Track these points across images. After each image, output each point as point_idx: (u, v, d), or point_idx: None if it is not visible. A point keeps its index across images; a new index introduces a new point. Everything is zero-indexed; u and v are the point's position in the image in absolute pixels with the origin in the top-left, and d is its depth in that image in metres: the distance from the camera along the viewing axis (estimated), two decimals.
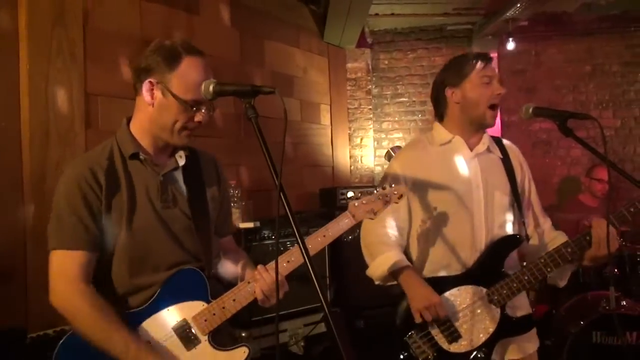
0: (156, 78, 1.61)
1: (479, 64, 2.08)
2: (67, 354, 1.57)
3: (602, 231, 1.92)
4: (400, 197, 1.82)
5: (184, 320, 1.62)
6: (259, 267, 1.66)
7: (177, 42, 1.65)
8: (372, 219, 1.80)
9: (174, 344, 1.60)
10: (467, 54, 2.17)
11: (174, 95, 1.59)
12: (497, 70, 2.14)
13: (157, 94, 1.61)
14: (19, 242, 2.68)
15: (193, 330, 1.62)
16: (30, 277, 2.65)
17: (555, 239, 2.15)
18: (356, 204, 1.76)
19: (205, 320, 1.63)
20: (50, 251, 1.59)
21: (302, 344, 3.45)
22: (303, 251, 1.18)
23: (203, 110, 1.63)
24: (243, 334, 3.16)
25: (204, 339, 1.62)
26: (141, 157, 1.66)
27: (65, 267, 1.56)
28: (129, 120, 1.73)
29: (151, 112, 1.64)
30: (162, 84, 1.60)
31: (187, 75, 1.59)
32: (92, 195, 1.58)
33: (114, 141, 1.70)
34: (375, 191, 1.81)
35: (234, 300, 1.65)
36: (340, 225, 1.74)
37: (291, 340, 3.42)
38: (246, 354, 1.65)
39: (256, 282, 1.64)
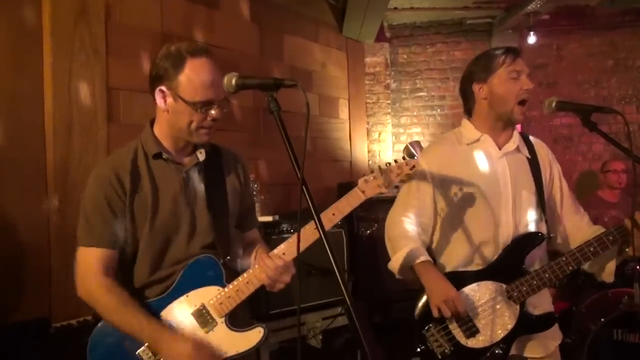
0: (166, 85, 1.69)
1: (507, 59, 2.04)
2: (99, 338, 1.72)
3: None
4: (413, 167, 1.81)
5: (202, 304, 1.72)
6: (261, 255, 1.75)
7: (182, 46, 1.70)
8: (382, 192, 1.78)
9: (193, 327, 1.71)
10: (496, 48, 2.13)
11: (182, 99, 1.66)
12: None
13: (169, 100, 1.70)
14: (42, 234, 2.73)
15: (210, 313, 1.71)
16: (54, 268, 2.70)
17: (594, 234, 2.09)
18: (366, 180, 1.77)
19: (221, 304, 1.72)
20: (78, 248, 1.72)
21: (320, 337, 3.46)
22: (325, 241, 1.18)
23: (214, 110, 1.69)
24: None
25: (220, 321, 1.71)
26: (164, 156, 1.76)
27: (89, 263, 1.69)
28: (152, 122, 1.82)
29: (167, 117, 1.73)
30: (172, 90, 1.68)
31: (193, 78, 1.66)
32: (115, 198, 1.69)
33: (139, 142, 1.80)
34: (386, 164, 1.82)
35: (247, 282, 1.73)
36: (349, 201, 1.75)
37: (309, 333, 3.43)
38: (261, 334, 1.73)
39: (260, 270, 1.72)
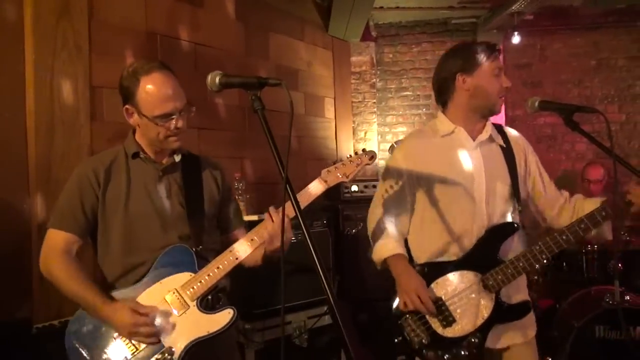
0: (130, 104, 1.85)
1: (492, 55, 2.11)
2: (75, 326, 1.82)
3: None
4: (371, 158, 1.96)
5: (175, 289, 1.81)
6: (270, 208, 1.85)
7: (137, 65, 1.85)
8: (345, 181, 1.93)
9: (167, 311, 1.79)
10: (477, 43, 2.19)
11: (144, 116, 1.82)
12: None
13: (135, 116, 1.86)
14: (24, 233, 2.70)
15: (183, 298, 1.80)
16: (36, 268, 2.65)
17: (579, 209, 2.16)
18: (328, 171, 1.92)
19: (193, 288, 1.81)
20: (47, 229, 1.88)
21: (306, 336, 3.46)
22: (307, 236, 1.18)
23: (173, 120, 1.82)
24: (247, 326, 3.18)
25: (192, 304, 1.80)
26: (141, 155, 1.92)
27: (53, 242, 1.84)
28: (134, 130, 1.96)
29: (140, 130, 1.91)
30: (135, 108, 1.84)
31: (148, 95, 1.80)
32: (88, 192, 1.85)
33: (122, 146, 1.96)
34: (347, 156, 1.98)
35: (217, 268, 1.83)
36: (312, 190, 1.89)
37: (295, 332, 3.43)
38: (231, 315, 1.80)
39: (266, 223, 1.83)
